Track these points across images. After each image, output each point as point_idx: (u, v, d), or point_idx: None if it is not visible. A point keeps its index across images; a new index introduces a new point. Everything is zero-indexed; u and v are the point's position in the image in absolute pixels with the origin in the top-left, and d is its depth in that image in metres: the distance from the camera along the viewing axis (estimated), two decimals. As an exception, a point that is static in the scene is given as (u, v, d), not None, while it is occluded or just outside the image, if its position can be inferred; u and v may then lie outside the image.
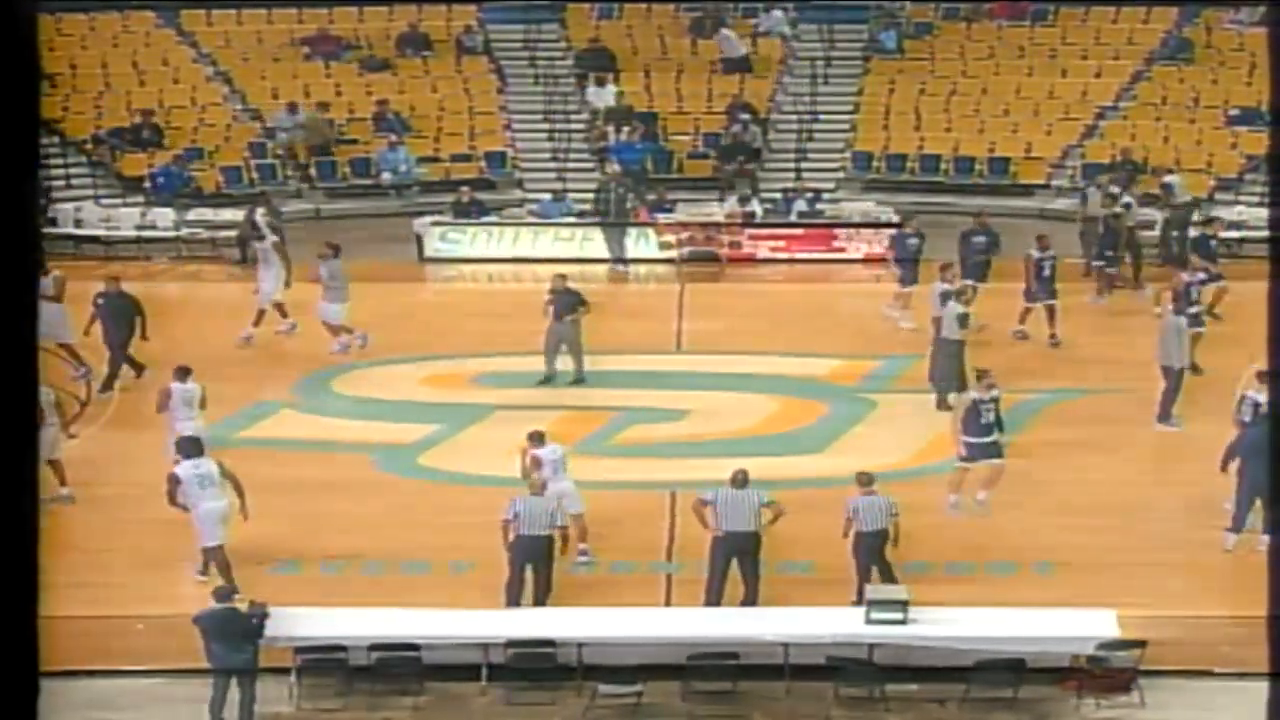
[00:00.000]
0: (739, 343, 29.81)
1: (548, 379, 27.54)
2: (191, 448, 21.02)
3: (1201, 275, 28.63)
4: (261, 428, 26.20)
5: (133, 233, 35.90)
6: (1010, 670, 18.54)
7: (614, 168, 37.30)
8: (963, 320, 26.41)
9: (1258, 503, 20.76)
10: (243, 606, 18.51)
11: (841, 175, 39.17)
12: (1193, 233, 32.18)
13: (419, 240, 35.58)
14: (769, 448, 25.03)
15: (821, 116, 40.18)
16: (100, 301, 27.57)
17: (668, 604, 20.74)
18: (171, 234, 35.65)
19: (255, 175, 38.44)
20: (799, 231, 35.72)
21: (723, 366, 28.66)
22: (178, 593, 20.30)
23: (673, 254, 35.08)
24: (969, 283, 28.40)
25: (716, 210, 36.55)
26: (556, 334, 27.54)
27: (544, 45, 41.67)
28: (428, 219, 36.06)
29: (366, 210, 38.21)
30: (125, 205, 37.03)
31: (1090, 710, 18.55)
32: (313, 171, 38.86)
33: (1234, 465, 21.56)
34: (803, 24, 42.27)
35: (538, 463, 21.27)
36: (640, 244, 35.26)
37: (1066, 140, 39.08)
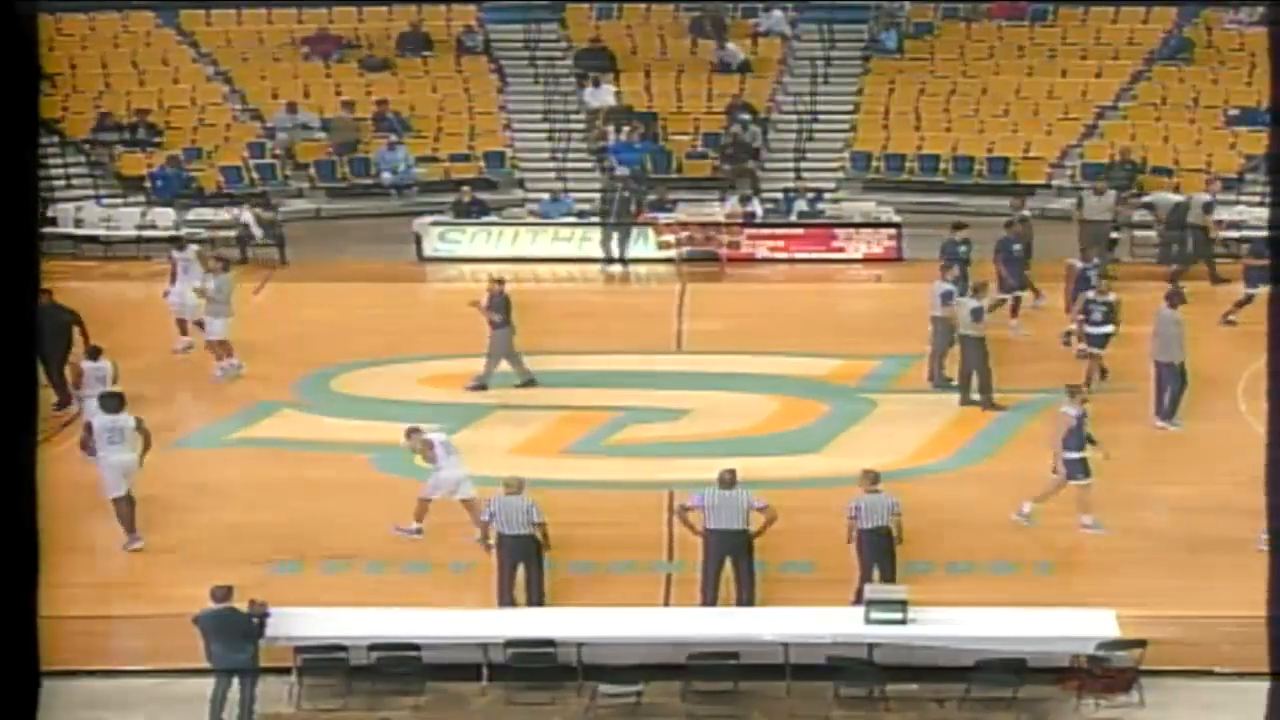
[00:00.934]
0: (739, 343, 29.79)
1: (529, 381, 27.43)
2: (112, 403, 22.12)
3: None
4: (261, 428, 26.19)
5: (133, 232, 35.93)
6: (1010, 670, 18.52)
7: (620, 170, 37.28)
8: (977, 314, 26.45)
9: None
10: (242, 606, 18.50)
11: (841, 175, 39.17)
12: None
13: (419, 240, 35.57)
14: (769, 447, 25.06)
15: (821, 116, 40.21)
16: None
17: (667, 604, 20.70)
18: (171, 234, 35.63)
19: (255, 175, 38.45)
20: (799, 231, 35.70)
21: (723, 366, 28.64)
22: (178, 593, 20.27)
23: (672, 254, 35.09)
24: (985, 280, 28.28)
25: (716, 210, 36.54)
26: (506, 338, 27.42)
27: (544, 45, 41.68)
28: (427, 219, 36.05)
29: (366, 210, 38.22)
30: (125, 205, 37.05)
31: (1090, 710, 18.53)
32: (312, 171, 38.89)
33: None
34: (803, 24, 42.28)
35: (429, 446, 22.03)
36: (640, 244, 35.29)
37: (1066, 140, 39.09)
